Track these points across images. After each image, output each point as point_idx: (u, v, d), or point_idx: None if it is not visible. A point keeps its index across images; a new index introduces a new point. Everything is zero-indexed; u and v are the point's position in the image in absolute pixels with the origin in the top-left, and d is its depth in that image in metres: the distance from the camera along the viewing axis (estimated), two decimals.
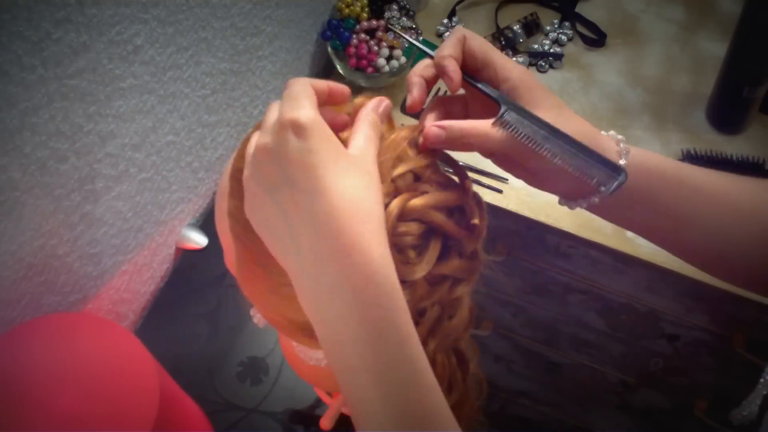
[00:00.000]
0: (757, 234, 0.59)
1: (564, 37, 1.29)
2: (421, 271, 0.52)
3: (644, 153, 0.58)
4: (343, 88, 0.52)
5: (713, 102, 1.19)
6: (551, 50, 1.27)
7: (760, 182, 0.62)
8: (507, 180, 1.21)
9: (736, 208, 0.59)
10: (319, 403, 0.94)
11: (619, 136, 0.58)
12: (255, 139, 0.48)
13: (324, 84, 0.51)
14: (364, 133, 0.50)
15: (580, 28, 1.30)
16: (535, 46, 1.27)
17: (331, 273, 0.45)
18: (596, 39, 1.29)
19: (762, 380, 0.79)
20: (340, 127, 0.52)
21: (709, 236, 0.60)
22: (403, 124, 0.58)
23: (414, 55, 1.18)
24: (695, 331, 1.28)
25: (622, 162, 0.56)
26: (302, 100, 0.47)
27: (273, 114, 0.48)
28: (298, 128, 0.45)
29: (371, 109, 0.51)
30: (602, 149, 0.56)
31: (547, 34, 1.29)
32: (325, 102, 0.51)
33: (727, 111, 1.19)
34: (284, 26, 1.06)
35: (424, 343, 0.56)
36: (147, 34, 0.78)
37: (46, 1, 0.63)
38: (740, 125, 1.19)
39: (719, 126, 1.19)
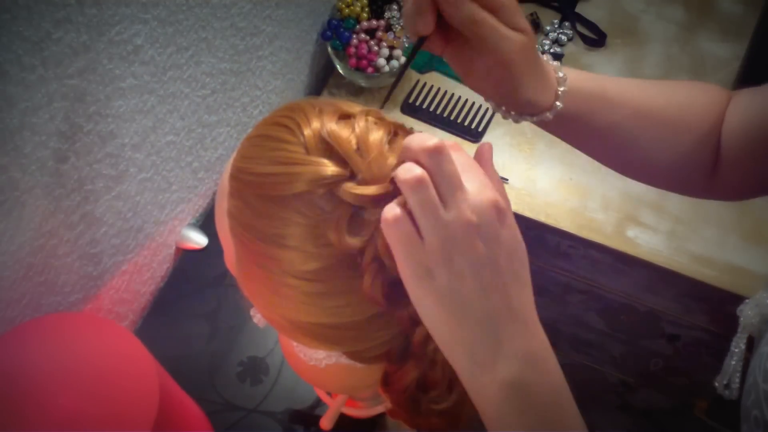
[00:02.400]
0: (668, 137, 0.68)
1: (564, 37, 1.29)
2: None
3: (578, 78, 0.65)
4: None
5: None
6: (551, 50, 1.27)
7: (675, 86, 0.73)
8: (507, 180, 1.22)
9: (647, 115, 0.68)
10: (319, 403, 0.94)
11: (556, 65, 0.65)
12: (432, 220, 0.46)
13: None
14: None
15: (580, 28, 1.30)
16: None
17: (525, 372, 0.48)
18: (596, 39, 1.29)
19: (735, 350, 0.81)
20: None
21: (631, 145, 0.70)
22: (403, 124, 0.58)
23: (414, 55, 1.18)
24: (695, 331, 1.28)
25: (561, 89, 0.64)
26: (485, 178, 0.48)
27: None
28: (500, 213, 0.46)
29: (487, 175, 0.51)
30: (545, 73, 0.63)
31: (547, 34, 1.29)
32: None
33: None
34: (284, 26, 1.06)
35: (425, 343, 0.56)
36: (147, 34, 0.78)
37: (46, 1, 0.63)
38: None
39: None
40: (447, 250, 0.45)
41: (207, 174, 1.03)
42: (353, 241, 0.52)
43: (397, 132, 0.55)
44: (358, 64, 1.14)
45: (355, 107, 0.58)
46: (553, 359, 0.50)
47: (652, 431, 1.61)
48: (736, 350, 0.79)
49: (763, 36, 1.12)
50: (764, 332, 0.75)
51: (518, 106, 0.64)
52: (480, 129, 1.19)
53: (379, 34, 1.15)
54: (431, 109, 1.21)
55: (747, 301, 0.78)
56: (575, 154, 1.22)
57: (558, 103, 0.63)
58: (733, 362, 0.78)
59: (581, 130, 0.68)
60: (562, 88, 0.63)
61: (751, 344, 0.78)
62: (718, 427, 1.36)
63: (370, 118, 0.55)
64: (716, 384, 0.83)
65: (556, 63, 0.64)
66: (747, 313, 0.77)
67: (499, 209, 0.46)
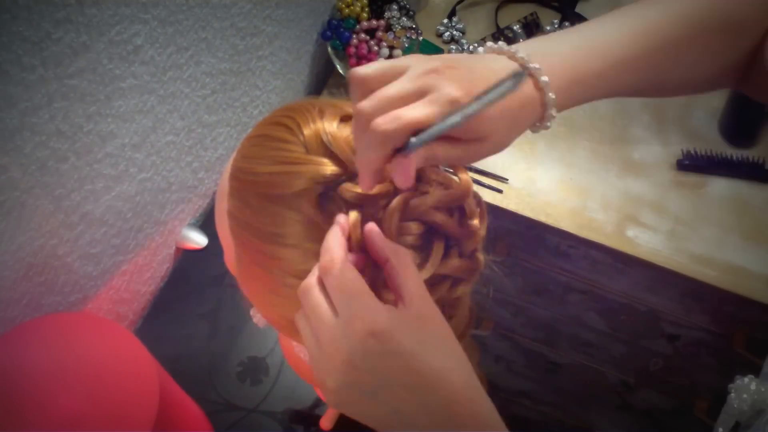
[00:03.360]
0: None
1: None
2: (425, 273, 0.53)
3: (554, 76, 0.54)
4: (352, 224, 0.51)
5: (726, 115, 1.19)
6: None
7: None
8: (507, 180, 1.21)
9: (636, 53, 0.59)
10: (319, 403, 0.94)
11: (543, 82, 0.54)
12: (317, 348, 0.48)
13: (342, 238, 0.50)
14: (405, 278, 0.49)
15: None
16: None
17: None
18: None
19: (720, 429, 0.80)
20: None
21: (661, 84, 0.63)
22: None
23: None
24: (695, 331, 1.28)
25: (552, 112, 0.54)
26: (362, 297, 0.47)
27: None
28: (376, 337, 0.46)
29: (382, 241, 0.50)
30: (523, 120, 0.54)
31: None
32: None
33: (740, 124, 1.19)
34: (284, 26, 1.06)
35: None
36: (147, 34, 0.78)
37: (46, 1, 0.63)
38: (753, 138, 1.19)
39: (731, 139, 1.19)
40: (338, 391, 0.48)
41: (207, 174, 1.03)
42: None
43: None
44: (358, 64, 1.14)
45: None
46: None
47: (652, 431, 1.61)
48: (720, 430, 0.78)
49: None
50: (753, 422, 0.74)
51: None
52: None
53: (379, 34, 1.15)
54: None
55: (741, 380, 0.77)
56: (575, 154, 1.23)
57: (552, 113, 0.55)
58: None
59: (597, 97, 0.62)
60: (551, 112, 0.55)
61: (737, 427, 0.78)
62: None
63: None
64: None
65: (544, 80, 0.54)
66: (741, 396, 0.76)
67: (375, 335, 0.46)
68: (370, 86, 0.48)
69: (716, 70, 0.65)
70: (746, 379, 0.76)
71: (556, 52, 0.55)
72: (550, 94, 0.53)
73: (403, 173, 0.47)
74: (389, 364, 0.47)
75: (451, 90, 0.46)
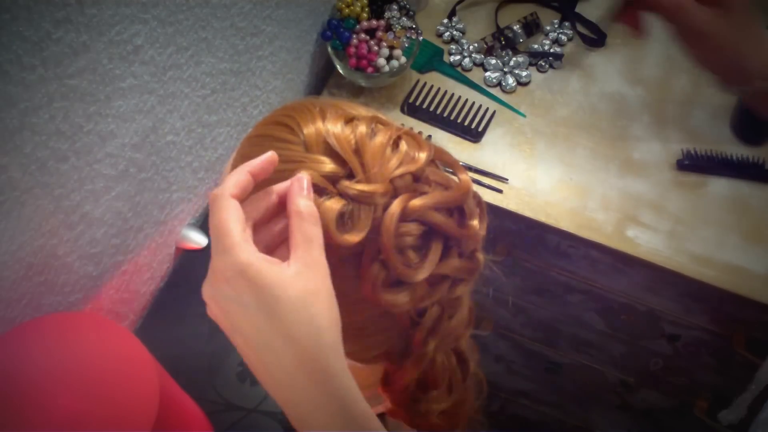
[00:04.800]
0: None
1: (564, 37, 1.29)
2: (423, 273, 0.53)
3: None
4: (264, 163, 0.51)
5: (739, 113, 1.19)
6: (551, 50, 1.27)
7: None
8: (507, 180, 1.22)
9: None
10: None
11: None
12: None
13: (244, 176, 0.50)
14: (299, 238, 0.49)
15: (580, 28, 1.30)
16: (535, 46, 1.27)
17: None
18: (596, 39, 1.29)
19: (753, 386, 0.79)
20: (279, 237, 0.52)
21: None
22: (403, 124, 0.58)
23: (414, 55, 1.18)
24: (695, 331, 1.28)
25: None
26: (222, 238, 0.48)
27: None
28: (226, 282, 0.48)
29: (297, 202, 0.50)
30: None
31: (547, 34, 1.29)
32: (258, 184, 0.51)
33: (754, 122, 1.18)
34: (284, 26, 1.06)
35: (425, 342, 0.56)
36: (147, 34, 0.78)
37: (46, 1, 0.63)
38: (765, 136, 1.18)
39: (744, 136, 1.19)
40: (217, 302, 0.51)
41: (207, 174, 1.03)
42: (347, 236, 0.52)
43: (400, 136, 0.55)
44: (358, 64, 1.14)
45: (357, 108, 0.58)
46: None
47: (652, 431, 1.61)
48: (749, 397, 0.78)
49: None
50: None
51: (734, 77, 0.65)
52: (480, 129, 1.19)
53: (379, 34, 1.15)
54: (431, 109, 1.21)
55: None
56: (575, 154, 1.23)
57: None
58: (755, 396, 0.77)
59: None
60: None
61: None
62: (718, 427, 1.35)
63: (373, 122, 0.56)
64: (722, 417, 0.82)
65: None
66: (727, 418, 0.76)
67: (227, 280, 0.48)
68: None
69: None
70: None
71: None
72: None
73: None
74: (237, 313, 0.48)
75: None
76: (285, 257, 0.49)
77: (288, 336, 0.47)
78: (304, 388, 0.48)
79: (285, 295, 0.47)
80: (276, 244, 0.52)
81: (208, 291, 0.50)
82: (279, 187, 0.52)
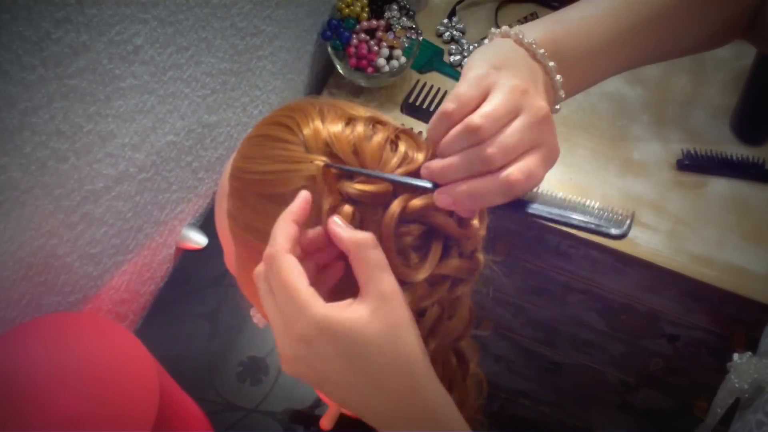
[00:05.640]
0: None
1: None
2: (423, 273, 0.53)
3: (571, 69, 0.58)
4: (303, 204, 0.51)
5: (740, 112, 1.19)
6: None
7: None
8: None
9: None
10: (319, 403, 0.94)
11: (551, 67, 0.57)
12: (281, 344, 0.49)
13: (291, 228, 0.50)
14: (365, 270, 0.48)
15: None
16: None
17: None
18: None
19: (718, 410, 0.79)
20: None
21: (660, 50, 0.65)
22: (403, 124, 0.58)
23: (414, 55, 1.18)
24: (695, 331, 1.28)
25: (560, 93, 0.58)
26: (294, 299, 0.47)
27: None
28: (306, 343, 0.47)
29: (350, 235, 0.49)
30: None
31: None
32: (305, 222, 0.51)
33: (753, 121, 1.19)
34: (284, 26, 1.06)
35: (425, 343, 0.56)
36: (147, 34, 0.78)
37: (46, 1, 0.63)
38: (765, 136, 1.19)
39: (744, 136, 1.19)
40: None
41: (207, 174, 1.03)
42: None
43: (399, 136, 0.55)
44: (358, 64, 1.14)
45: (357, 109, 0.58)
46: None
47: (652, 431, 1.61)
48: (719, 410, 0.78)
49: None
50: (753, 400, 0.74)
51: None
52: None
53: (379, 34, 1.15)
54: (431, 109, 1.21)
55: (740, 358, 0.77)
56: (575, 154, 1.23)
57: (560, 94, 0.59)
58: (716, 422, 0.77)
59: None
60: (560, 93, 0.59)
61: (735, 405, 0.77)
62: (718, 427, 1.36)
63: (372, 122, 0.56)
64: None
65: (551, 65, 0.57)
66: (741, 374, 0.75)
67: (304, 341, 0.47)
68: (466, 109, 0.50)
69: (715, 26, 0.66)
70: (745, 357, 0.76)
71: (558, 34, 0.58)
72: (558, 77, 0.56)
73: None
74: (323, 366, 0.47)
75: (554, 140, 0.53)
76: (349, 294, 0.49)
77: (380, 379, 0.47)
78: (407, 422, 0.48)
79: (366, 338, 0.46)
80: (333, 284, 0.52)
81: (289, 354, 0.49)
82: (317, 231, 0.51)
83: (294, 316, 0.47)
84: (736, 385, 0.75)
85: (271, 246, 0.49)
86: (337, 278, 0.52)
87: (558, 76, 0.56)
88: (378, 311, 0.47)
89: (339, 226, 0.50)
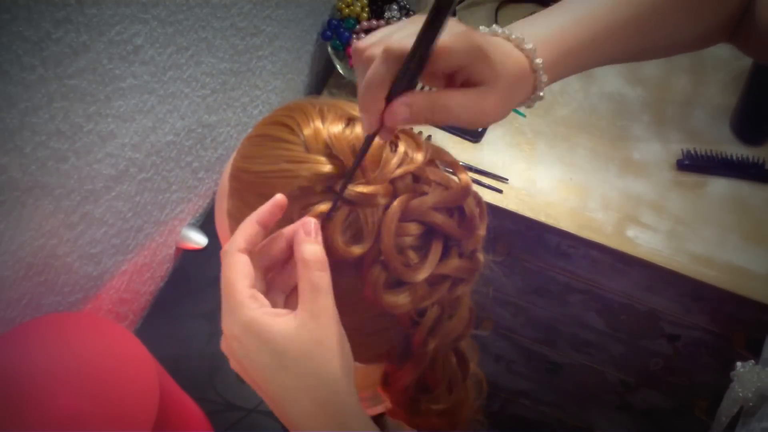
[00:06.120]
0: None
1: None
2: (423, 273, 0.53)
3: (555, 52, 0.58)
4: (271, 208, 0.51)
5: (739, 113, 1.19)
6: None
7: None
8: (507, 180, 1.21)
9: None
10: None
11: (530, 50, 0.57)
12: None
13: (252, 229, 0.51)
14: (305, 287, 0.49)
15: None
16: None
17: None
18: None
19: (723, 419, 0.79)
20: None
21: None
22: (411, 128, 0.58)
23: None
24: (695, 331, 1.28)
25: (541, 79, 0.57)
26: (229, 297, 0.49)
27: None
28: (237, 340, 0.49)
29: (302, 250, 0.49)
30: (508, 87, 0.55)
31: None
32: (271, 227, 0.51)
33: (753, 122, 1.19)
34: (284, 26, 1.06)
35: (425, 343, 0.56)
36: (147, 34, 0.78)
37: (46, 1, 0.63)
38: (765, 136, 1.19)
39: (744, 136, 1.19)
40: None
41: (207, 174, 1.03)
42: (354, 247, 0.52)
43: (398, 136, 0.55)
44: None
45: (357, 108, 0.58)
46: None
47: (652, 431, 1.61)
48: (724, 419, 0.78)
49: None
50: (756, 408, 0.74)
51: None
52: (480, 129, 1.19)
53: None
54: None
55: (744, 367, 0.77)
56: (575, 154, 1.23)
57: (540, 94, 0.58)
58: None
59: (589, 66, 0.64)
60: (542, 79, 0.57)
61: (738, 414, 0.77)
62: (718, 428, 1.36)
63: None
64: None
65: (530, 47, 0.56)
66: (744, 383, 0.75)
67: (234, 338, 0.49)
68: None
69: (704, 28, 0.67)
70: (748, 366, 0.76)
71: (547, 29, 0.59)
72: (538, 60, 0.56)
73: (391, 115, 0.48)
74: (249, 365, 0.50)
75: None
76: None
77: (299, 387, 0.48)
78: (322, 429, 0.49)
79: (290, 348, 0.48)
80: (291, 288, 0.52)
81: (225, 348, 0.52)
82: (288, 231, 0.51)
83: (229, 312, 0.49)
84: (740, 394, 0.75)
85: (228, 244, 0.50)
86: (292, 286, 0.53)
87: (539, 60, 0.56)
88: (304, 326, 0.48)
89: (307, 233, 0.50)
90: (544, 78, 0.56)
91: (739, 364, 0.77)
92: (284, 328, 0.48)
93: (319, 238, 0.50)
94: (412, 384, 0.59)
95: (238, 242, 0.50)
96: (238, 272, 0.49)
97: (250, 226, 0.50)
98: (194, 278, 1.03)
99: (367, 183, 0.52)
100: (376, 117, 0.49)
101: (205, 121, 0.97)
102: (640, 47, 0.65)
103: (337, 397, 0.49)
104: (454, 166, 0.57)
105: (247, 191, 0.56)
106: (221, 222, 0.60)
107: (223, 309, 0.50)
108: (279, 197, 0.51)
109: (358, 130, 0.54)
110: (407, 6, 1.18)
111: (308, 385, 0.48)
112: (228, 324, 0.49)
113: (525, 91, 0.56)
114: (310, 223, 0.50)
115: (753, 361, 0.77)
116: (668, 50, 0.70)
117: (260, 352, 0.48)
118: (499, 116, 0.53)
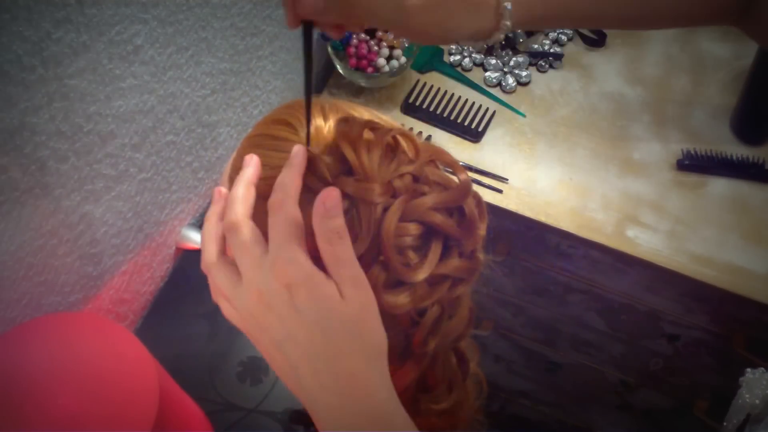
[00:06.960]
0: None
1: (564, 37, 1.29)
2: (423, 273, 0.53)
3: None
4: (256, 171, 0.52)
5: (739, 112, 1.19)
6: (551, 50, 1.27)
7: None
8: (507, 180, 1.21)
9: None
10: None
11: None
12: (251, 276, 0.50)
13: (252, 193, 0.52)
14: (335, 258, 0.48)
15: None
16: (535, 46, 1.27)
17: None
18: (596, 39, 1.29)
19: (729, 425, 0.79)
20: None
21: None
22: (403, 124, 0.58)
23: (414, 55, 1.18)
24: (695, 331, 1.28)
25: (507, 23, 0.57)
26: (295, 246, 0.48)
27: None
28: (292, 291, 0.47)
29: (326, 228, 0.48)
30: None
31: (546, 34, 1.29)
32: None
33: (753, 122, 1.19)
34: (284, 26, 1.06)
35: (425, 342, 0.56)
36: (147, 34, 0.78)
37: (46, 1, 0.63)
38: (765, 136, 1.19)
39: (744, 136, 1.19)
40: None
41: (207, 174, 1.03)
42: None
43: (397, 137, 0.55)
44: (358, 64, 1.14)
45: (356, 108, 0.58)
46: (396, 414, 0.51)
47: (652, 431, 1.61)
48: (729, 425, 0.78)
49: None
50: (764, 415, 0.73)
51: (456, 41, 0.59)
52: (480, 129, 1.19)
53: (379, 34, 1.15)
54: (431, 109, 1.21)
55: (752, 374, 0.76)
56: (575, 154, 1.23)
57: (506, 23, 0.57)
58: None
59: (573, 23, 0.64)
60: (506, 22, 0.57)
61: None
62: (718, 427, 1.36)
63: (371, 122, 0.56)
64: None
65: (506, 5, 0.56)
66: (753, 390, 0.75)
67: (291, 286, 0.48)
68: None
69: (708, 8, 0.66)
70: (758, 372, 0.76)
71: None
72: (506, 4, 0.55)
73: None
74: (294, 321, 0.48)
75: None
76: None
77: (341, 352, 0.48)
78: (347, 410, 0.48)
79: (340, 311, 0.48)
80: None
81: (264, 300, 0.49)
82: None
83: (285, 257, 0.47)
84: (748, 401, 0.75)
85: (282, 192, 0.49)
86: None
87: (507, 4, 0.54)
88: (355, 292, 0.48)
89: (326, 208, 0.49)
90: (508, 5, 0.54)
91: (748, 370, 0.77)
92: (335, 291, 0.48)
93: (341, 212, 0.50)
94: (412, 384, 0.59)
95: (294, 195, 0.49)
96: (291, 226, 0.48)
97: (251, 196, 0.52)
98: (194, 278, 1.03)
99: (367, 183, 0.52)
100: (293, 11, 0.50)
101: (205, 121, 0.97)
102: (640, 11, 0.63)
103: (381, 362, 0.49)
104: (454, 166, 0.57)
105: None
106: None
107: (273, 258, 0.48)
108: (253, 158, 0.53)
109: (358, 129, 0.54)
110: None
111: (348, 350, 0.48)
112: (281, 267, 0.47)
113: (479, 16, 0.54)
114: (333, 194, 0.49)
115: (762, 368, 0.77)
116: (675, 21, 0.67)
117: (316, 304, 0.47)
118: (426, 23, 0.51)
